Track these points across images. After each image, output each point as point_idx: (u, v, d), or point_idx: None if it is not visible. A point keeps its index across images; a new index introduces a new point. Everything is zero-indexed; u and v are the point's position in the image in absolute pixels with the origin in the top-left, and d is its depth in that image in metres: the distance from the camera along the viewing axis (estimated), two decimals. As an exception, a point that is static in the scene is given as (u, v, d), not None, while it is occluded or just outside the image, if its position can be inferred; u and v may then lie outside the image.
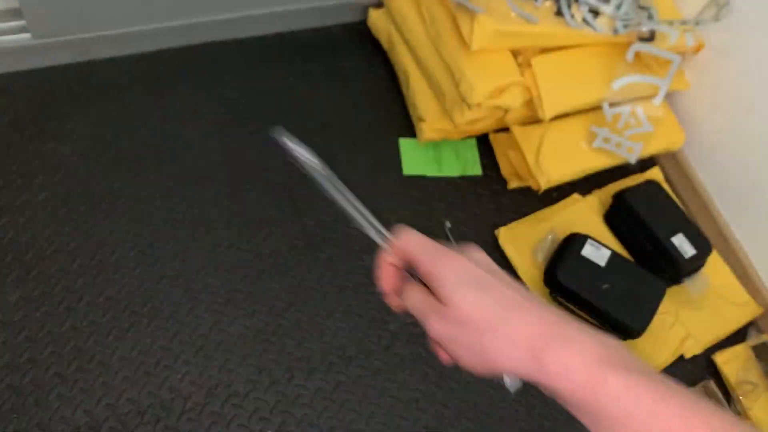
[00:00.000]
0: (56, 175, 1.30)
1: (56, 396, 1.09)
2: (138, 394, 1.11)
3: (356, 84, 1.57)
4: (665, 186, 1.46)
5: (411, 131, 1.49)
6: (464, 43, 1.28)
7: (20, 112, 1.36)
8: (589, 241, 1.28)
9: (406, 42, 1.47)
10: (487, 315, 0.39)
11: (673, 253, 1.31)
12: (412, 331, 1.24)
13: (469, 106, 1.30)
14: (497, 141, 1.48)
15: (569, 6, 1.32)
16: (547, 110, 1.31)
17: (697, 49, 1.38)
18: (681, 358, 1.32)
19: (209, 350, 1.17)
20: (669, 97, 1.42)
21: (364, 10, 1.61)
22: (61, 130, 1.35)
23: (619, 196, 1.39)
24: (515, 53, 1.34)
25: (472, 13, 1.25)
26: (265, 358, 1.18)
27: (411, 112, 1.49)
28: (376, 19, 1.57)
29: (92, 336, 1.15)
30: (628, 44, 1.33)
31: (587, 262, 1.26)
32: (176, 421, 1.10)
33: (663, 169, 1.55)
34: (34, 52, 1.39)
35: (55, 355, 1.12)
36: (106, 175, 1.32)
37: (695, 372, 1.34)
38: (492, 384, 1.22)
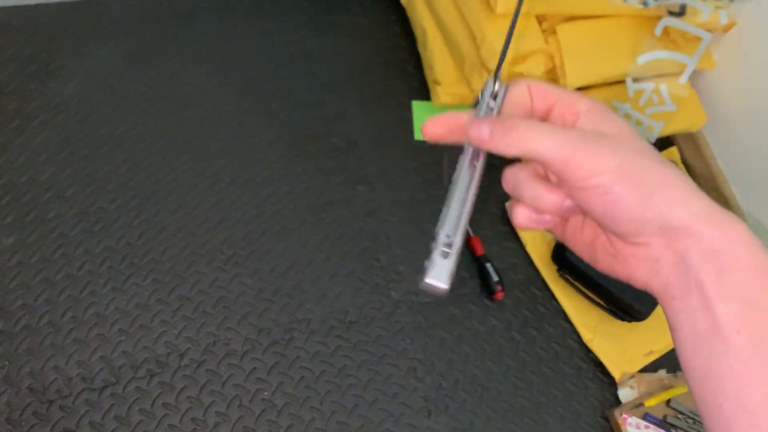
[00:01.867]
0: (57, 117, 1.25)
1: (49, 345, 1.06)
2: (133, 348, 1.08)
3: (370, 40, 1.51)
4: (681, 167, 1.42)
5: (425, 94, 1.44)
6: (489, 4, 1.23)
7: (22, 48, 1.30)
8: (601, 219, 1.25)
9: (428, 0, 1.41)
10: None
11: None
12: (414, 299, 1.22)
13: (489, 72, 1.26)
14: (513, 110, 1.44)
15: (600, -27, 1.26)
16: (570, 80, 1.27)
17: (728, 27, 1.33)
18: (684, 342, 1.30)
19: (208, 307, 1.14)
20: (693, 75, 1.37)
21: (384, -37, 1.55)
22: (64, 70, 1.30)
23: (634, 175, 1.36)
24: (540, 19, 1.29)
25: (499, -26, 1.19)
26: (264, 318, 1.15)
27: (427, 73, 1.44)
28: (396, -27, 1.50)
29: (88, 286, 1.12)
30: (657, 18, 1.27)
31: (598, 240, 1.23)
32: (171, 377, 1.07)
33: (680, 149, 1.52)
34: (37, -14, 1.33)
35: (50, 303, 1.09)
36: (108, 119, 1.27)
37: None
38: (492, 358, 1.20)
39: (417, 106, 1.43)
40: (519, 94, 0.37)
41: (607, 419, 1.20)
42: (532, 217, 0.36)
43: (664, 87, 1.31)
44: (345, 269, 1.23)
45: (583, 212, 0.35)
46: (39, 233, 1.14)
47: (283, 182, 1.29)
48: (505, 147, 0.34)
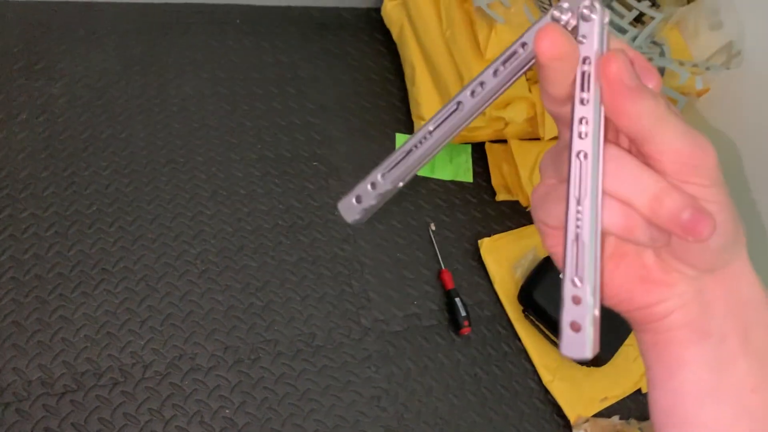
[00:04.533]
0: (41, 116, 1.24)
1: (11, 345, 1.04)
2: (98, 356, 1.07)
3: (360, 71, 1.54)
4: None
5: (409, 127, 1.48)
6: (478, 49, 1.27)
7: (11, 42, 1.30)
8: (569, 265, 1.29)
9: (419, 38, 1.45)
10: None
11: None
12: (384, 328, 1.24)
13: None
14: (492, 151, 1.48)
15: (586, 29, 1.32)
16: (549, 130, 1.31)
17: (702, 93, 1.40)
18: (638, 391, 1.34)
19: (177, 320, 1.14)
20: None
21: (379, -3, 1.59)
22: (53, 69, 1.30)
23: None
24: (526, 67, 1.33)
25: (491, 21, 1.24)
26: (232, 335, 1.15)
27: (412, 108, 1.47)
28: (391, 9, 1.54)
29: (57, 288, 1.10)
30: (637, 77, 1.33)
31: (565, 285, 1.27)
32: (134, 387, 1.06)
33: (647, 204, 1.57)
34: (33, -17, 1.33)
35: (16, 303, 1.08)
36: (93, 123, 1.27)
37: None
38: (454, 392, 1.22)
39: (400, 138, 1.46)
40: (614, 42, 0.28)
41: (560, 461, 1.22)
42: (630, 216, 0.27)
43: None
44: (317, 293, 1.24)
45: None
46: (11, 231, 1.13)
47: (263, 201, 1.30)
48: (637, 112, 0.25)
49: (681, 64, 1.33)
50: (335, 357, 1.19)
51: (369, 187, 0.32)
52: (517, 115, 1.30)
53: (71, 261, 1.13)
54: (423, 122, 1.35)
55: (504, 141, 1.44)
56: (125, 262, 1.16)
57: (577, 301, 0.26)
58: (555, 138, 1.33)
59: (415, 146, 0.31)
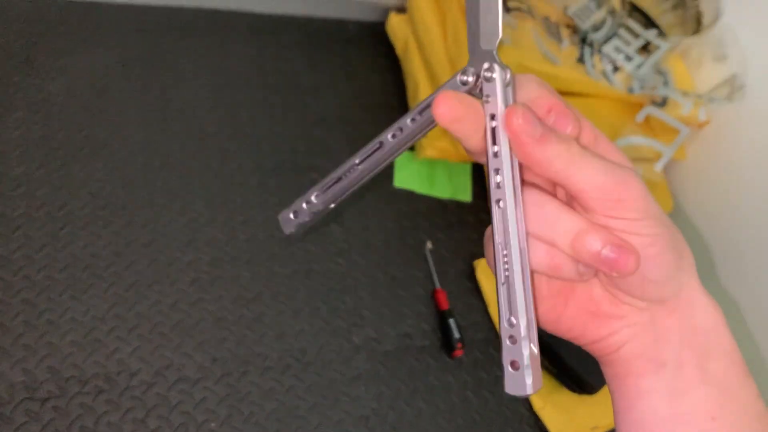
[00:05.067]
0: (37, 114, 1.22)
1: (-5, 347, 1.02)
2: (83, 362, 1.05)
3: (362, 83, 1.54)
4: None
5: (409, 144, 1.47)
6: (484, 69, 1.27)
7: (12, 38, 1.28)
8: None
9: (423, 53, 1.44)
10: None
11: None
12: (375, 347, 1.22)
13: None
14: (492, 171, 1.47)
15: (592, 55, 1.32)
16: (551, 153, 1.31)
17: (704, 124, 1.40)
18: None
19: (166, 329, 1.12)
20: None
21: (384, 12, 1.58)
22: (52, 67, 1.28)
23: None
24: (530, 90, 1.33)
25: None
26: (221, 347, 1.13)
27: (413, 124, 1.46)
28: (396, 24, 1.54)
29: (45, 291, 1.08)
30: (640, 105, 1.33)
31: (560, 311, 1.26)
32: (119, 396, 1.04)
33: (644, 232, 1.57)
34: (37, -21, 1.31)
35: (3, 303, 1.05)
36: (90, 123, 1.25)
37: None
38: (444, 415, 1.20)
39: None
40: (530, 91, 0.29)
41: (547, 489, 1.21)
42: (555, 255, 0.28)
43: (639, 171, 1.36)
44: (309, 307, 1.22)
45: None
46: (1, 230, 1.10)
47: (259, 211, 1.28)
48: (546, 158, 0.26)
49: (684, 94, 1.33)
50: (325, 374, 1.17)
51: (304, 204, 0.35)
52: (519, 137, 1.29)
53: (61, 263, 1.11)
54: (423, 138, 1.33)
55: (504, 162, 1.44)
56: (116, 266, 1.14)
57: (513, 341, 0.27)
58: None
59: (344, 175, 0.34)
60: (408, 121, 0.32)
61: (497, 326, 1.31)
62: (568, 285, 0.31)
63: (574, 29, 1.35)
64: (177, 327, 1.13)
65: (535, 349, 0.27)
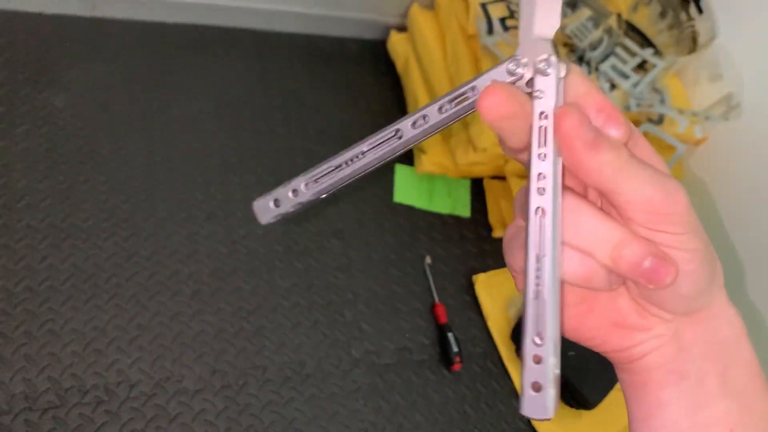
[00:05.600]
0: (42, 127, 1.24)
1: (-4, 357, 1.03)
2: (83, 372, 1.05)
3: (363, 100, 1.56)
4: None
5: (409, 159, 1.48)
6: (483, 86, 1.28)
7: (18, 53, 1.30)
8: (563, 305, 1.29)
9: (423, 71, 1.46)
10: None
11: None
12: (374, 360, 1.22)
13: (475, 149, 1.30)
14: (491, 187, 1.49)
15: (589, 73, 1.34)
16: (549, 169, 1.32)
17: (700, 141, 1.42)
18: (627, 437, 1.33)
19: (166, 340, 1.12)
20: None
21: (386, 30, 1.61)
22: (57, 82, 1.30)
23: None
24: (529, 107, 1.35)
25: (496, 59, 1.26)
26: (221, 359, 1.14)
27: (413, 140, 1.48)
28: (397, 42, 1.56)
29: (47, 301, 1.09)
30: (637, 122, 1.35)
31: (558, 326, 1.27)
32: (118, 407, 1.04)
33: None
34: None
35: (4, 313, 1.06)
36: (94, 138, 1.27)
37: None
38: (442, 429, 1.20)
39: (400, 169, 1.46)
40: (577, 87, 0.27)
41: (546, 505, 1.20)
42: (589, 265, 0.27)
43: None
44: (309, 320, 1.23)
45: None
46: (5, 241, 1.12)
47: (259, 225, 1.29)
48: (597, 166, 0.25)
49: (680, 112, 1.35)
50: (323, 387, 1.17)
51: (290, 193, 0.31)
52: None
53: (63, 274, 1.12)
54: (423, 155, 1.35)
55: (503, 178, 1.45)
56: (117, 278, 1.15)
57: (537, 360, 0.25)
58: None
59: (346, 163, 0.30)
60: (436, 108, 0.28)
61: (496, 341, 1.32)
62: (592, 293, 0.29)
63: (571, 48, 1.37)
64: (177, 339, 1.13)
65: (558, 372, 0.25)
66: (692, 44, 1.40)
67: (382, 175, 1.45)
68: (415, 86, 1.48)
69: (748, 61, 1.36)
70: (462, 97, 0.27)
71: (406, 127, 0.29)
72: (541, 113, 0.25)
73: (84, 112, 1.28)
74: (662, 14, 1.41)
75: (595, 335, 0.30)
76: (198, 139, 1.34)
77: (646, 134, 1.34)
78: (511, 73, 0.26)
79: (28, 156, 1.20)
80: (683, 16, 1.39)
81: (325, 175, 0.31)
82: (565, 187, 0.26)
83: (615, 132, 0.26)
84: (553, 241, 0.25)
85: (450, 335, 1.26)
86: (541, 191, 0.25)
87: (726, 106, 1.36)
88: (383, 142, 0.29)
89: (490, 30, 1.29)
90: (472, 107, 0.27)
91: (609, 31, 1.38)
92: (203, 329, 1.16)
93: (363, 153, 0.30)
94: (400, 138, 0.29)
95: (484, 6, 1.33)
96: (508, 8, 1.35)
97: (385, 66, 1.61)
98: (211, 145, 1.35)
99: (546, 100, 0.25)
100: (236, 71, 1.47)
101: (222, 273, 1.22)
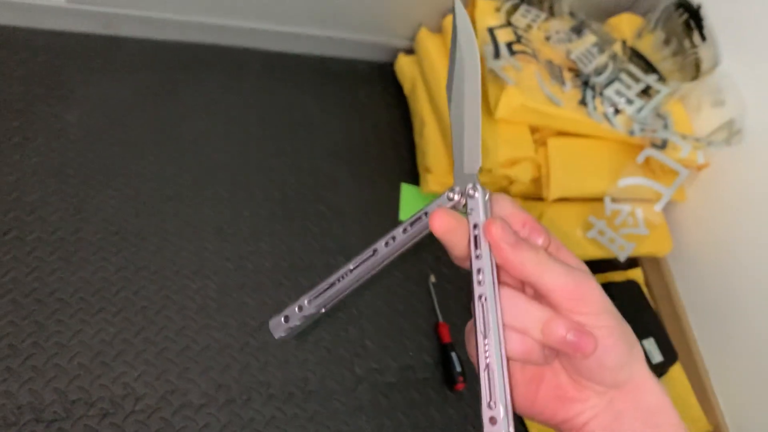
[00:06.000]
0: (55, 142, 1.26)
1: (5, 368, 1.04)
2: (90, 384, 1.06)
3: (370, 121, 1.58)
4: (644, 288, 1.49)
5: (415, 178, 1.50)
6: (489, 108, 1.31)
7: (35, 69, 1.33)
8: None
9: (430, 93, 1.49)
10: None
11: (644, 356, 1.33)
12: (378, 378, 1.23)
13: (480, 170, 1.32)
14: (495, 208, 1.50)
15: (594, 98, 1.36)
16: (553, 191, 1.34)
17: (702, 167, 1.43)
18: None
19: (172, 354, 1.13)
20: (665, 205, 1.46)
21: (394, 53, 1.63)
22: (71, 98, 1.32)
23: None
24: (533, 130, 1.37)
25: (502, 83, 1.28)
26: (226, 374, 1.15)
27: (419, 160, 1.50)
28: (404, 64, 1.58)
29: (56, 314, 1.10)
30: (641, 147, 1.37)
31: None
32: (123, 419, 1.05)
33: (644, 272, 1.59)
34: (61, 14, 1.36)
35: (13, 325, 1.07)
36: (105, 153, 1.29)
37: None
38: (444, 448, 1.20)
39: (406, 188, 1.48)
40: (505, 208, 0.36)
41: None
42: (526, 342, 0.33)
43: (639, 211, 1.39)
44: (313, 337, 1.24)
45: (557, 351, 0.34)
46: (15, 253, 1.13)
47: (266, 241, 1.31)
48: (519, 261, 0.32)
49: (683, 137, 1.37)
50: (327, 404, 1.18)
51: (296, 309, 0.38)
52: (522, 175, 1.33)
53: (72, 287, 1.13)
54: (429, 174, 1.36)
55: (507, 199, 1.47)
56: (126, 291, 1.16)
57: (493, 422, 0.31)
58: (558, 200, 1.36)
59: (338, 280, 0.37)
60: (401, 230, 0.37)
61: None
62: (539, 373, 0.36)
63: (576, 73, 1.39)
64: (183, 353, 1.14)
65: (512, 430, 0.31)
66: (695, 71, 1.42)
67: (388, 194, 1.46)
68: (421, 107, 1.50)
69: (751, 88, 1.37)
70: (418, 220, 0.36)
71: (380, 247, 0.37)
72: (474, 225, 0.34)
73: (96, 128, 1.30)
74: (666, 41, 1.44)
75: (545, 409, 0.36)
76: (207, 155, 1.36)
77: (649, 159, 1.36)
78: (449, 199, 0.36)
79: (41, 170, 1.22)
80: (687, 43, 1.42)
81: (323, 292, 0.38)
82: (503, 283, 0.34)
83: (539, 240, 0.35)
84: (495, 320, 0.32)
85: (453, 355, 1.27)
86: (480, 282, 0.33)
87: (728, 131, 1.38)
88: (365, 260, 0.37)
89: (497, 54, 1.31)
90: (427, 227, 0.36)
91: (614, 57, 1.41)
92: (209, 344, 1.17)
93: (350, 271, 0.37)
94: (377, 256, 0.37)
95: (491, 30, 1.36)
96: (515, 33, 1.38)
97: (393, 88, 1.64)
98: (219, 162, 1.37)
99: (476, 216, 0.34)
100: (246, 90, 1.49)
101: (228, 288, 1.23)
